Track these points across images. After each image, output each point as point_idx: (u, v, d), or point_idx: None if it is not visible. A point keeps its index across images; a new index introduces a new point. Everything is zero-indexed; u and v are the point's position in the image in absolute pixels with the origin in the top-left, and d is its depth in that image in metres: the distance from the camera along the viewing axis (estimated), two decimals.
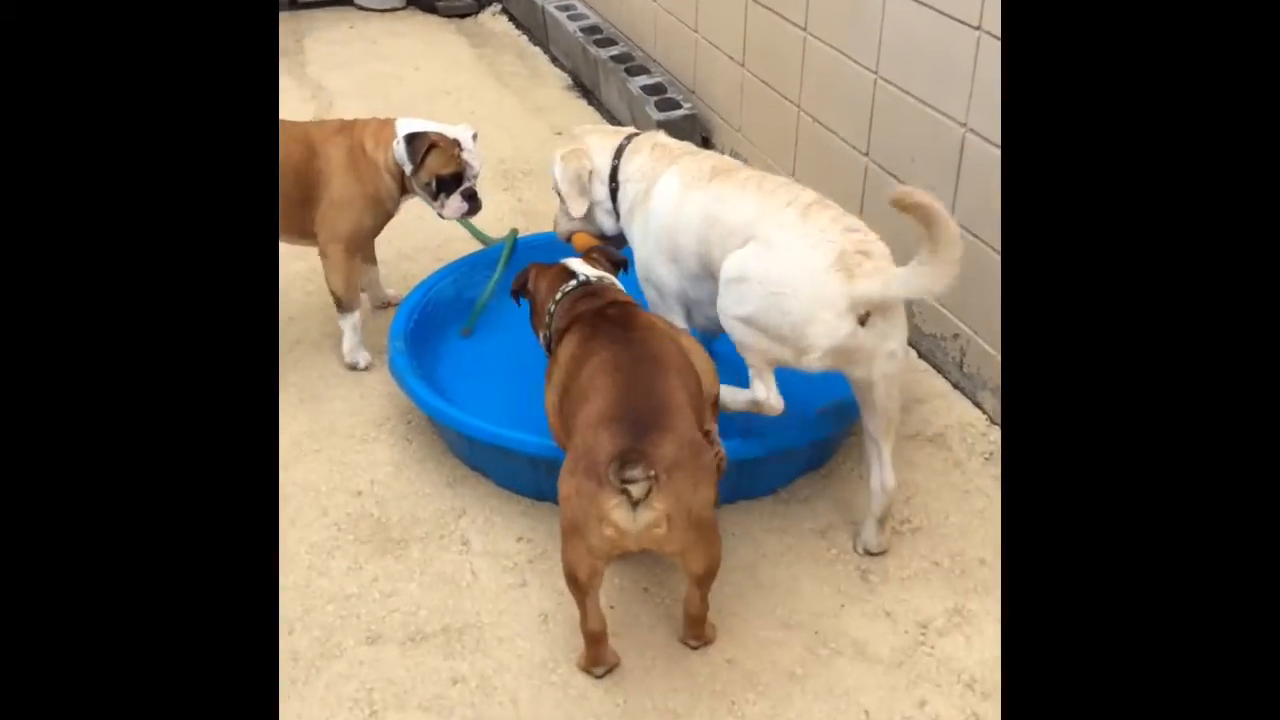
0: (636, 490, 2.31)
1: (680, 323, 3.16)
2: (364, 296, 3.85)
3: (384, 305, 4.04)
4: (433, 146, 3.53)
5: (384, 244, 4.03)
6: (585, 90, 6.01)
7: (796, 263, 2.73)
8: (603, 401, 2.47)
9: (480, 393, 3.46)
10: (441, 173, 3.57)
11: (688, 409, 2.49)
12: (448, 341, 3.72)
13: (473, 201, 3.63)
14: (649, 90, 5.26)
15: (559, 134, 5.51)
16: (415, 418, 3.50)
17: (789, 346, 2.76)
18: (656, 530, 2.37)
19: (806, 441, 3.15)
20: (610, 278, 3.00)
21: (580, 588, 2.50)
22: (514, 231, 4.03)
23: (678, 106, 5.12)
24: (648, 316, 2.81)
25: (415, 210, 4.66)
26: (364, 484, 3.26)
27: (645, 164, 3.27)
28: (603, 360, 2.58)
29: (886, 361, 2.76)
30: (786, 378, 2.90)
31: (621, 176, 3.32)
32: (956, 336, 3.59)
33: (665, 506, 2.35)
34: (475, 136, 3.65)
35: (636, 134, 3.41)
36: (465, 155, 3.58)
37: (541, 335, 2.97)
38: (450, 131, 3.59)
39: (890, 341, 2.75)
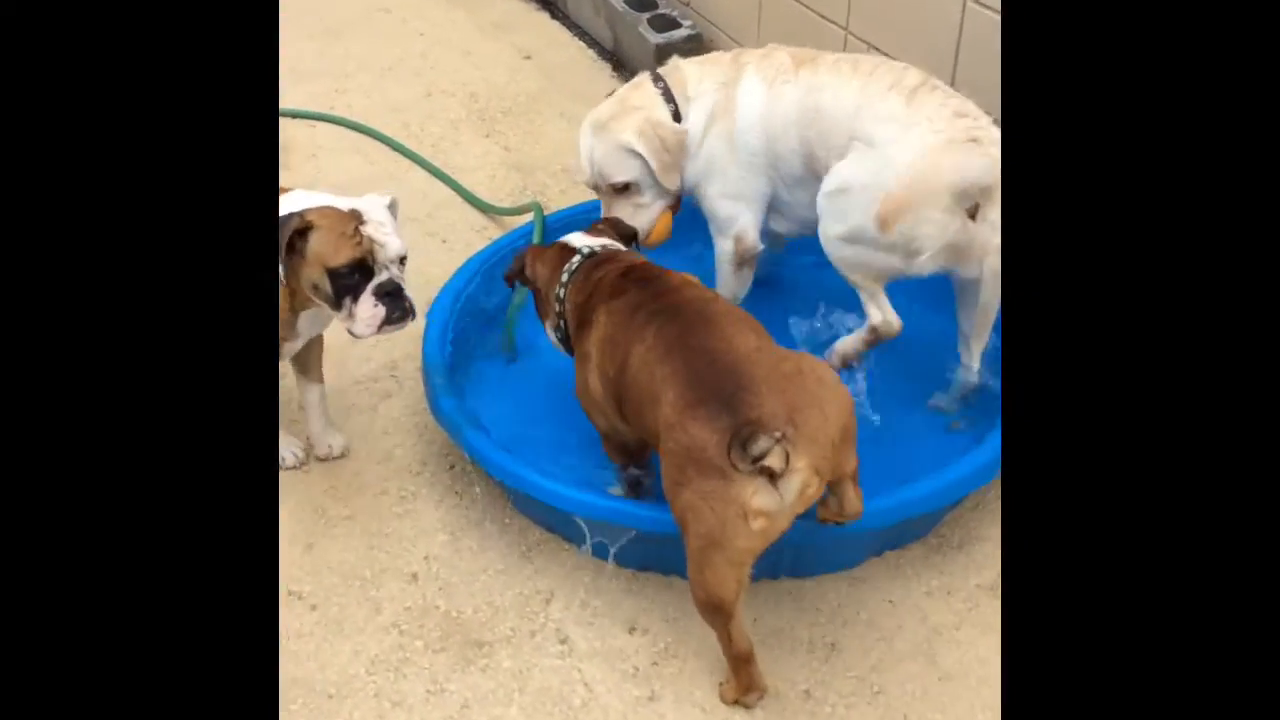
0: (775, 461, 1.97)
1: (754, 229, 2.92)
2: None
3: (323, 457, 2.86)
4: (307, 229, 2.36)
5: None
6: (547, 2, 5.21)
7: (899, 159, 2.54)
8: (673, 392, 2.13)
9: (536, 428, 2.81)
10: (334, 265, 2.37)
11: (756, 349, 2.17)
12: (487, 360, 3.04)
13: (395, 303, 2.41)
14: (636, 5, 4.52)
15: (528, 58, 4.75)
16: (457, 460, 2.85)
17: (898, 253, 2.59)
18: (809, 491, 2.05)
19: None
20: (617, 244, 2.62)
21: (726, 611, 2.14)
22: (537, 206, 3.32)
23: (676, 25, 4.39)
24: (675, 275, 2.46)
25: (409, 178, 3.94)
26: (417, 563, 2.61)
27: (710, 74, 2.88)
28: (651, 346, 2.24)
29: (997, 256, 2.56)
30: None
31: (687, 99, 2.87)
32: None
33: (810, 458, 2.02)
34: (394, 205, 2.55)
35: (660, 71, 2.96)
36: (372, 233, 2.38)
37: (550, 324, 2.61)
38: (349, 203, 2.44)
39: (988, 226, 2.56)
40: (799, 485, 2.02)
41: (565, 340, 2.58)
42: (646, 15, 4.44)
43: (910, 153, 2.54)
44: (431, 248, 3.60)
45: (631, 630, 2.46)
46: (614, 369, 2.32)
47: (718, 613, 2.15)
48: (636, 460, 2.55)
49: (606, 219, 2.76)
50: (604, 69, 4.66)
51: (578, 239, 2.62)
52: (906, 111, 2.59)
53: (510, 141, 4.19)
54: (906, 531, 2.58)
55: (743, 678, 2.26)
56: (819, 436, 2.05)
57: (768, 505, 2.01)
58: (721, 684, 2.31)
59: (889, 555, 2.60)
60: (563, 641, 2.43)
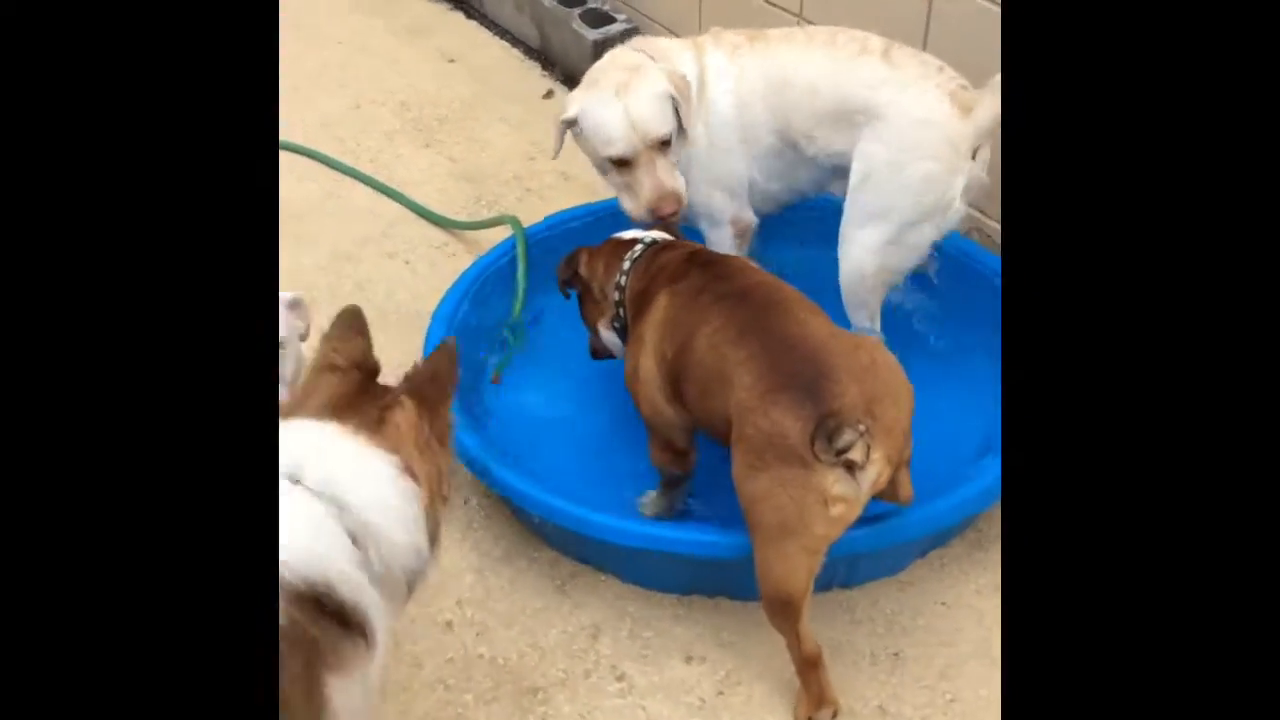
0: (859, 454, 1.98)
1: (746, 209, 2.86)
2: None
3: None
4: None
5: (317, 242, 3.14)
6: (461, 2, 5.04)
7: (920, 123, 2.52)
8: (750, 376, 2.08)
9: (553, 454, 2.71)
10: None
11: (831, 335, 2.15)
12: (488, 390, 2.91)
13: None
14: (564, 1, 4.39)
15: (453, 61, 4.59)
16: (471, 493, 2.72)
17: (935, 219, 2.60)
18: (882, 480, 2.06)
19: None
20: (670, 236, 2.58)
21: (795, 606, 2.10)
22: (514, 220, 3.18)
23: (610, 20, 4.28)
24: (736, 259, 2.48)
25: (353, 197, 3.76)
26: (450, 610, 2.47)
27: (682, 45, 2.78)
28: (719, 329, 2.18)
29: (979, 188, 2.63)
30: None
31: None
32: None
33: (885, 449, 2.03)
34: (296, 302, 2.39)
35: (632, 44, 2.82)
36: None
37: (604, 323, 2.56)
38: None
39: (981, 164, 2.60)
40: (874, 476, 2.03)
41: (623, 331, 2.51)
42: (577, 11, 4.31)
43: (926, 108, 2.52)
44: (395, 271, 3.44)
45: (689, 659, 2.37)
46: (673, 350, 2.26)
47: (787, 608, 2.10)
48: (680, 460, 2.45)
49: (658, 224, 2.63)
50: (533, 68, 4.52)
51: (635, 233, 2.57)
52: (892, 73, 2.56)
53: (454, 151, 4.03)
54: (953, 530, 2.53)
55: (813, 689, 2.20)
56: (894, 428, 2.06)
57: (849, 493, 2.01)
58: (796, 707, 2.24)
59: (932, 555, 2.55)
60: (620, 679, 2.33)
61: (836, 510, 2.01)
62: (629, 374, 2.41)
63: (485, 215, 3.57)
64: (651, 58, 2.70)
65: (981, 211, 3.13)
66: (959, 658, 2.35)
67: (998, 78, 2.43)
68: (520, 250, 3.04)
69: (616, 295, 2.49)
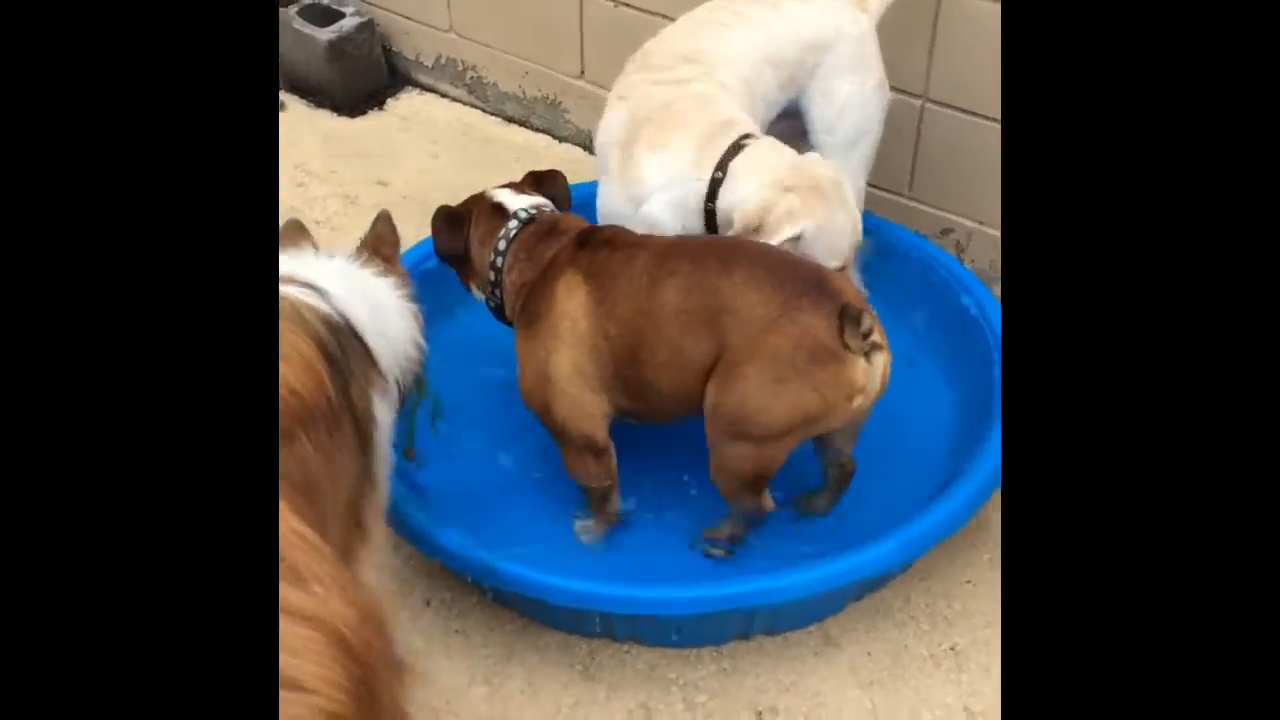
0: (879, 336, 2.09)
1: None
2: None
3: None
4: None
5: None
6: None
7: (859, 39, 2.57)
8: (758, 293, 2.07)
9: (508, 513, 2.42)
10: None
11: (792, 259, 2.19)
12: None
13: None
14: None
15: None
16: (431, 593, 2.37)
17: (885, 110, 2.67)
18: (887, 373, 2.13)
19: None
20: (547, 204, 2.37)
21: (769, 478, 2.23)
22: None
23: (338, 16, 3.82)
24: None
25: None
26: None
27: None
28: (691, 272, 2.13)
29: None
30: None
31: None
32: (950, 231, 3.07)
33: (883, 336, 2.12)
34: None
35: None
36: None
37: (480, 290, 2.38)
38: None
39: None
40: (884, 362, 2.11)
41: (499, 310, 2.35)
42: (294, 8, 3.82)
43: (855, 22, 2.57)
44: None
45: (759, 715, 2.19)
46: (617, 326, 2.16)
47: (760, 483, 2.21)
48: (604, 462, 2.30)
49: (532, 173, 2.44)
50: None
51: (505, 196, 2.34)
52: (794, 7, 2.53)
53: None
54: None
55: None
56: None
57: (869, 384, 2.09)
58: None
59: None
60: None
61: (857, 402, 2.09)
62: (533, 382, 2.25)
63: None
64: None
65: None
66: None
67: None
68: None
69: (492, 275, 2.30)
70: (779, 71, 2.54)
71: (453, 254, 2.35)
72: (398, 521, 2.19)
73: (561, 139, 3.66)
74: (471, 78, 3.78)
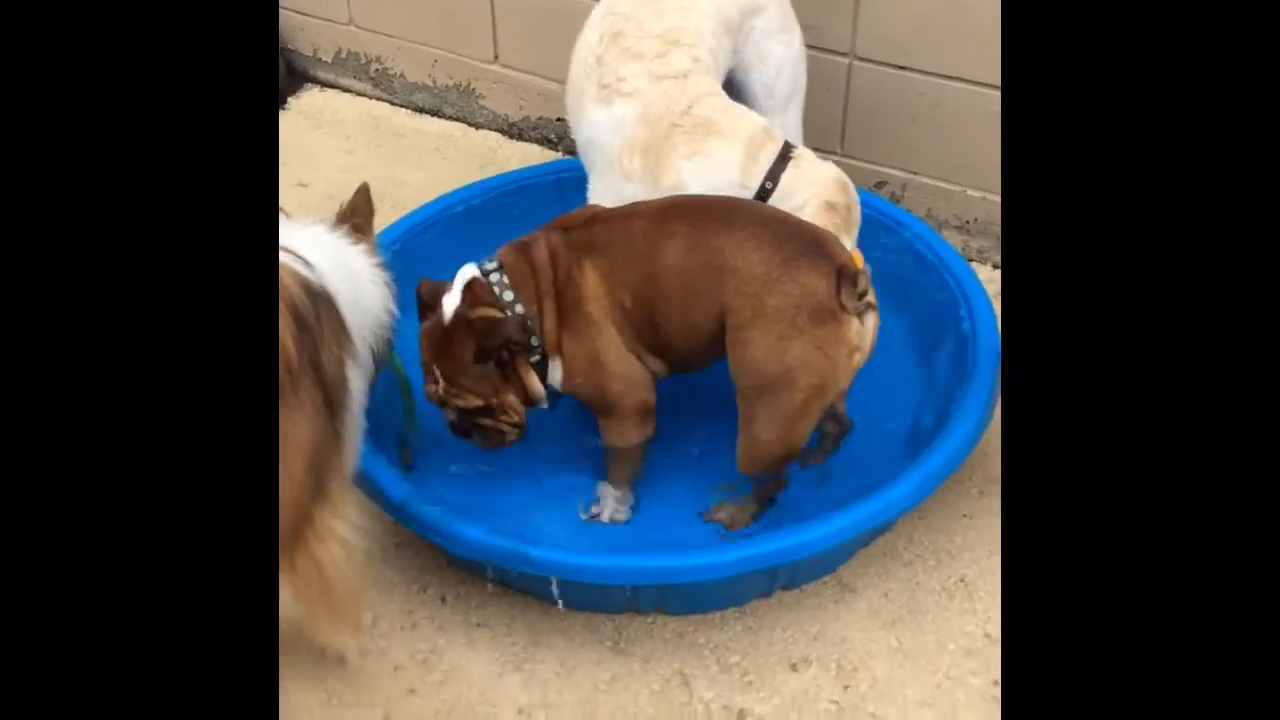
0: (872, 295, 2.12)
1: None
2: None
3: None
4: None
5: None
6: None
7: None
8: (758, 251, 2.10)
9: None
10: None
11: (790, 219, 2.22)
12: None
13: None
14: None
15: None
16: (447, 591, 2.34)
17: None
18: (876, 331, 2.16)
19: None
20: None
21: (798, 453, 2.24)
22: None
23: None
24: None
25: None
26: None
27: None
28: (689, 232, 2.15)
29: None
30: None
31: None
32: None
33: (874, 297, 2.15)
34: None
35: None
36: None
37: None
38: None
39: None
40: (874, 323, 2.14)
41: (543, 362, 2.28)
42: None
43: None
44: None
45: (794, 667, 2.22)
46: (631, 295, 2.20)
47: (789, 459, 2.23)
48: (651, 419, 2.34)
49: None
50: None
51: (469, 270, 2.26)
52: None
53: None
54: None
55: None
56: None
57: (863, 342, 2.12)
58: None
59: None
60: (741, 715, 2.15)
61: (855, 360, 2.12)
62: (587, 367, 2.25)
63: None
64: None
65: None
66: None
67: None
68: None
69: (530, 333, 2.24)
70: (730, 39, 2.57)
71: (511, 342, 2.20)
72: (415, 520, 2.17)
73: (478, 126, 3.61)
74: (376, 70, 3.71)
